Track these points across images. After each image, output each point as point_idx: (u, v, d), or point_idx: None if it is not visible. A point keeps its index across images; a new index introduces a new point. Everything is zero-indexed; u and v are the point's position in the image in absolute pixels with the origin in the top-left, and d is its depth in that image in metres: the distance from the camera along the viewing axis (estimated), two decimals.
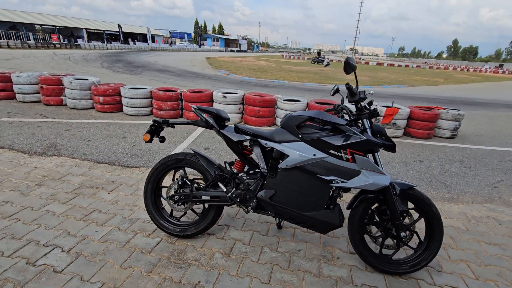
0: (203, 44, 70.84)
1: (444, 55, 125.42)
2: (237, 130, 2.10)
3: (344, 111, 2.13)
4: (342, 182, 1.86)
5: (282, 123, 2.04)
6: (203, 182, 2.26)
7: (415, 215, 2.04)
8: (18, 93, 6.18)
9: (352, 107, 2.08)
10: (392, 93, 12.90)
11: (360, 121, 1.98)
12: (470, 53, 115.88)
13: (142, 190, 2.91)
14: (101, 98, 5.71)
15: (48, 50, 25.61)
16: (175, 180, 2.23)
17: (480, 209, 3.04)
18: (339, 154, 1.86)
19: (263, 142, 2.02)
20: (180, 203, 2.18)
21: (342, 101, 2.29)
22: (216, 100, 5.58)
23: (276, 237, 2.37)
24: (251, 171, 2.15)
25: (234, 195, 2.05)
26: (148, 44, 49.39)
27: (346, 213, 2.12)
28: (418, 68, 41.90)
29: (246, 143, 2.13)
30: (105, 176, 3.23)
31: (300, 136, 1.95)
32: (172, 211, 2.31)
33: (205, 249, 2.17)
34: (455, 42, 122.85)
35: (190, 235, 2.23)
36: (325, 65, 29.18)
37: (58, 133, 4.53)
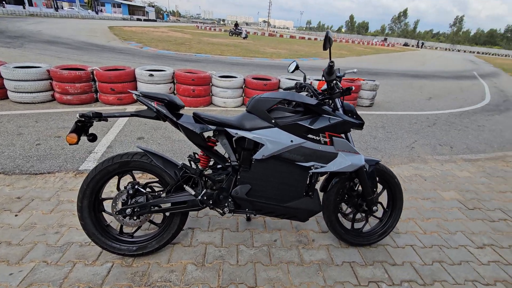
0: (101, 11, 60.07)
1: (343, 29, 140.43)
2: (198, 119, 1.74)
3: (308, 89, 2.00)
4: (322, 167, 1.77)
5: (249, 107, 1.78)
6: (159, 186, 1.85)
7: (380, 187, 2.15)
8: None
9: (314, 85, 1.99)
10: (310, 65, 13.73)
11: (329, 100, 1.89)
12: (363, 28, 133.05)
13: (66, 203, 2.27)
14: None
15: None
16: (124, 189, 1.75)
17: (408, 169, 3.51)
18: (317, 138, 1.74)
19: (232, 131, 1.73)
20: (134, 218, 1.75)
21: (304, 79, 2.14)
22: (140, 80, 4.77)
23: (249, 231, 2.20)
24: (219, 166, 1.86)
25: (205, 198, 1.74)
26: (24, 8, 38.97)
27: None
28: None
29: (210, 134, 1.80)
30: (4, 192, 2.39)
31: (273, 121, 1.74)
32: (121, 226, 1.85)
33: (173, 263, 1.83)
34: (351, 17, 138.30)
35: (151, 251, 1.84)
36: (243, 38, 28.88)
37: None
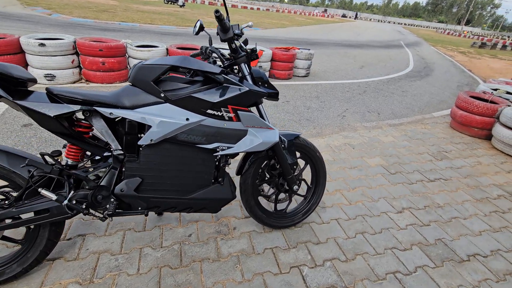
0: None
1: (286, 0, 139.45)
2: (53, 96, 1.26)
3: (215, 55, 1.64)
4: (229, 148, 1.48)
5: (131, 78, 1.36)
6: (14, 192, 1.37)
7: (302, 163, 1.97)
8: None
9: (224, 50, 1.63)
10: (249, 35, 13.18)
11: (237, 66, 1.56)
12: None
13: None
14: None
15: None
16: None
17: (338, 138, 3.49)
18: (219, 114, 1.42)
19: (104, 111, 1.31)
20: None
21: (210, 41, 1.76)
22: (30, 51, 3.80)
23: (158, 228, 1.86)
24: (98, 157, 1.43)
25: (74, 201, 1.32)
26: None
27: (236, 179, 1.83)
28: (268, 11, 44.90)
29: (80, 116, 1.35)
30: None
31: (163, 95, 1.36)
32: None
33: (48, 286, 1.42)
34: None
35: (13, 277, 1.39)
36: (180, 6, 26.50)
37: None
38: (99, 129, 1.37)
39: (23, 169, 1.27)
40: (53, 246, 1.45)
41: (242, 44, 1.53)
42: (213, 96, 1.39)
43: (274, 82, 5.59)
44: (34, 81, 1.31)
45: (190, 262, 1.64)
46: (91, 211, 1.36)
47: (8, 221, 1.32)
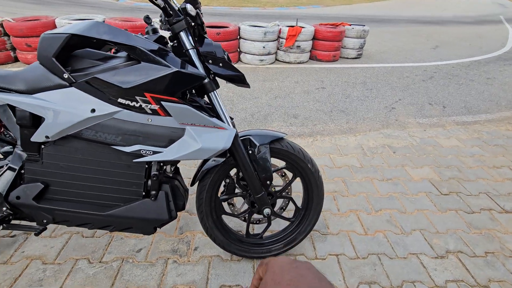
0: None
1: None
2: None
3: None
4: (155, 152, 1.05)
5: (37, 53, 1.01)
6: None
7: (289, 175, 1.43)
8: None
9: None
10: (306, 13, 12.11)
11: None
12: None
13: None
14: None
15: None
16: None
17: (376, 137, 2.72)
18: (136, 104, 0.99)
19: None
20: None
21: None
22: None
23: (109, 235, 1.57)
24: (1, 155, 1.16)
25: None
26: None
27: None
28: None
29: None
30: None
31: (67, 76, 0.99)
32: None
33: None
34: None
35: None
36: None
37: None
38: (3, 118, 1.08)
39: None
40: None
41: (177, 5, 1.04)
42: (124, 80, 0.96)
43: (314, 65, 4.83)
44: None
45: None
46: None
47: None
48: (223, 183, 1.36)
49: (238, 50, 4.66)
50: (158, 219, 1.17)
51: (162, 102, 0.99)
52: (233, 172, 1.35)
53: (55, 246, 1.49)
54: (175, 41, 1.12)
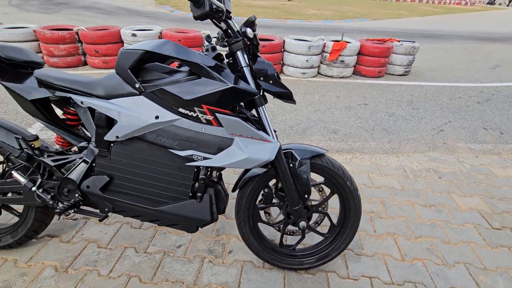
0: None
1: None
2: (38, 80, 1.23)
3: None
4: (205, 158, 1.16)
5: (115, 64, 1.19)
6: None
7: (327, 190, 1.45)
8: None
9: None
10: (352, 27, 11.93)
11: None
12: None
13: None
14: None
15: None
16: None
17: (421, 159, 2.59)
18: (194, 114, 1.11)
19: (77, 98, 1.20)
20: None
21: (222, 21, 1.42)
22: (125, 41, 4.36)
23: (154, 228, 1.72)
24: (79, 148, 1.36)
25: (41, 190, 1.28)
26: None
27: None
28: (385, 0, 40.08)
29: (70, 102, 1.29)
30: None
31: (138, 85, 1.14)
32: None
33: (33, 263, 1.47)
34: None
35: (8, 246, 1.49)
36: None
37: None
38: (83, 117, 1.28)
39: (4, 148, 1.30)
40: (43, 227, 1.48)
41: (237, 27, 1.15)
42: (186, 91, 1.09)
43: (357, 80, 4.75)
44: (38, 63, 1.31)
45: (162, 281, 1.42)
46: (57, 203, 1.30)
47: None
48: (262, 192, 1.42)
49: (282, 62, 4.77)
50: (201, 219, 1.27)
51: (216, 114, 1.09)
52: (271, 182, 1.41)
53: (108, 233, 1.67)
54: (231, 58, 1.23)
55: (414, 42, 4.94)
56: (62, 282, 1.38)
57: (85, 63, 4.60)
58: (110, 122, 1.20)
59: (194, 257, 1.56)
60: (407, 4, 36.60)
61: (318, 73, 4.88)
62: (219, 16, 1.07)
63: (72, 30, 4.36)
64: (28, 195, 1.29)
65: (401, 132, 3.11)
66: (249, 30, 1.12)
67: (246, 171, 1.38)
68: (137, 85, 1.15)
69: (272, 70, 1.19)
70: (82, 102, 1.19)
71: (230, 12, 1.11)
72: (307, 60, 4.43)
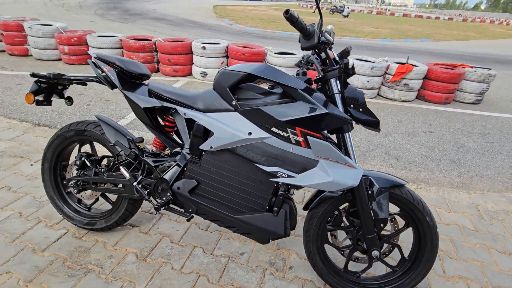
0: None
1: (483, 7, 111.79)
2: (149, 91, 1.43)
3: (315, 66, 1.39)
4: (289, 176, 1.23)
5: (214, 82, 1.35)
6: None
7: (400, 221, 1.41)
8: None
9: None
10: (413, 47, 11.37)
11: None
12: None
13: None
14: (66, 48, 4.99)
15: None
16: (75, 158, 1.65)
17: (498, 200, 2.36)
18: (285, 135, 1.19)
19: (181, 110, 1.36)
20: (78, 190, 1.63)
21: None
22: (195, 52, 4.75)
23: (219, 232, 1.84)
24: (173, 152, 1.53)
25: (141, 185, 1.47)
26: None
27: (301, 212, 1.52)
28: (450, 20, 37.43)
29: (170, 111, 1.48)
30: (38, 142, 2.70)
31: (234, 103, 1.27)
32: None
33: (118, 248, 1.67)
34: None
35: (100, 229, 1.72)
36: (345, 16, 26.28)
37: (7, 88, 3.97)
38: (180, 126, 1.45)
39: (116, 147, 1.51)
40: (130, 216, 1.68)
41: (336, 55, 1.22)
42: (281, 113, 1.18)
43: (420, 105, 4.50)
44: (147, 76, 1.54)
45: (227, 284, 1.51)
46: (151, 199, 1.47)
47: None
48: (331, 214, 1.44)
49: None
50: (275, 232, 1.33)
51: (308, 136, 1.16)
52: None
53: (179, 230, 1.83)
54: (319, 84, 1.30)
55: (490, 69, 4.55)
56: (142, 269, 1.55)
57: (157, 70, 5.10)
58: (205, 133, 1.34)
59: (256, 267, 1.62)
60: (476, 24, 33.71)
61: (378, 94, 4.75)
62: (324, 47, 1.15)
63: (151, 40, 4.89)
64: (129, 189, 1.49)
65: (473, 167, 2.87)
66: (351, 62, 1.17)
67: (320, 192, 1.42)
68: (233, 103, 1.27)
69: (363, 99, 1.23)
70: (184, 113, 1.36)
71: (333, 43, 1.18)
72: (368, 81, 4.35)
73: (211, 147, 1.31)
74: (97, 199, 1.77)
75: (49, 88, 1.56)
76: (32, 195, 2.03)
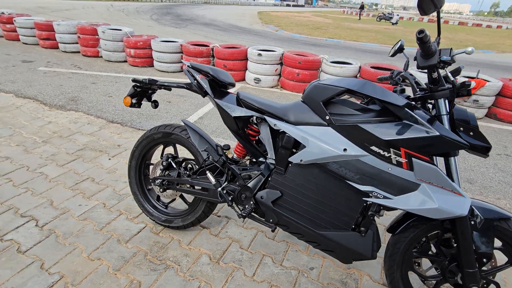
0: None
1: None
2: (239, 100, 1.48)
3: (407, 82, 1.34)
4: (385, 198, 1.18)
5: (304, 95, 1.36)
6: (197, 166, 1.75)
7: (502, 259, 1.28)
8: (60, 43, 6.22)
9: (421, 77, 1.25)
10: (474, 59, 10.46)
11: (432, 101, 1.20)
12: None
13: None
14: (132, 51, 5.41)
15: (107, 2, 26.37)
16: (161, 159, 1.76)
17: None
18: (386, 154, 1.15)
19: (271, 121, 1.39)
20: (163, 189, 1.73)
21: (407, 65, 1.46)
22: (250, 59, 4.86)
23: (285, 243, 1.83)
24: (255, 160, 1.56)
25: (225, 191, 1.51)
26: None
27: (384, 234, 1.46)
28: None
29: (253, 120, 1.52)
30: (113, 138, 2.94)
31: (328, 117, 1.26)
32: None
33: (192, 247, 1.74)
34: None
35: (176, 227, 1.81)
36: (393, 23, 25.24)
37: (84, 86, 4.40)
38: (264, 136, 1.47)
39: (204, 152, 1.58)
40: (204, 218, 1.75)
41: (449, 74, 1.15)
42: (385, 132, 1.14)
43: (491, 124, 4.10)
44: (232, 85, 1.60)
45: None
46: (234, 205, 1.51)
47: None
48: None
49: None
50: (361, 253, 1.29)
51: (413, 159, 1.11)
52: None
53: (247, 237, 1.86)
54: (419, 103, 1.23)
55: None
56: (216, 272, 1.59)
57: None
58: (294, 145, 1.35)
59: (328, 284, 1.58)
60: None
61: None
62: (440, 66, 1.10)
63: (208, 46, 5.10)
64: (213, 193, 1.55)
65: None
66: (468, 83, 1.10)
67: (410, 215, 1.34)
68: (327, 117, 1.26)
69: (475, 121, 1.14)
70: (275, 125, 1.37)
71: (454, 62, 1.12)
72: None
73: (301, 160, 1.31)
74: (174, 199, 1.87)
75: (142, 92, 1.69)
76: (112, 187, 2.20)
